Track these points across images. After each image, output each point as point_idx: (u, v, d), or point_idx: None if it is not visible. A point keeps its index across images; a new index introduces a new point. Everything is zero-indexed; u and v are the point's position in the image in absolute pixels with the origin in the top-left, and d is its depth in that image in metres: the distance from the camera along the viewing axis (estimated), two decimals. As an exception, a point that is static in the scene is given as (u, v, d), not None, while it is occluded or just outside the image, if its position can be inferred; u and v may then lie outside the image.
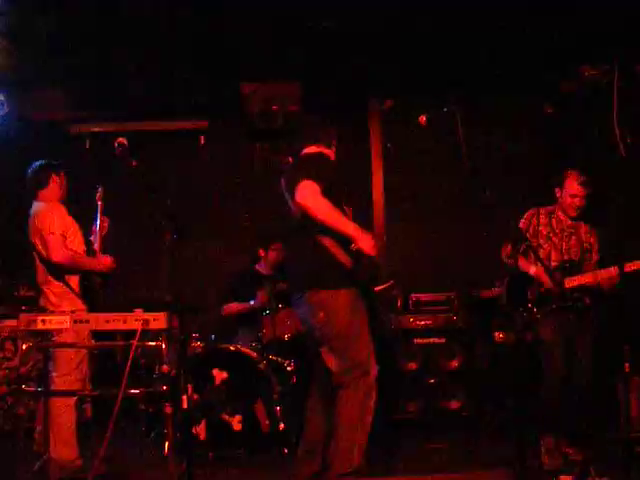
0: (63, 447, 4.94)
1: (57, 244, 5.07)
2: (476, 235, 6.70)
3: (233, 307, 6.81)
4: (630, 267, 5.15)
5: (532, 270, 5.38)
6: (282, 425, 5.69)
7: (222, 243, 7.86)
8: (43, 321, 4.09)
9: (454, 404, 6.69)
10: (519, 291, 5.43)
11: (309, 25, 5.99)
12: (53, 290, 5.18)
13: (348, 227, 4.26)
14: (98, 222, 5.53)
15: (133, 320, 4.05)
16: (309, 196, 4.20)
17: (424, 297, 7.11)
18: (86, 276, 5.28)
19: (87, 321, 4.11)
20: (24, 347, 4.94)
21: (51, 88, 7.20)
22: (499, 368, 6.59)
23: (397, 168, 7.77)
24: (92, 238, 5.56)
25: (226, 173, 8.13)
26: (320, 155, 4.54)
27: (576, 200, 5.47)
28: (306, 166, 4.45)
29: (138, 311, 4.08)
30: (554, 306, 5.29)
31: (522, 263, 5.43)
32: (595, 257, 5.56)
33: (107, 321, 4.09)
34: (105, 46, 6.28)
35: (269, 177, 7.83)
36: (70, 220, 5.29)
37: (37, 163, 5.42)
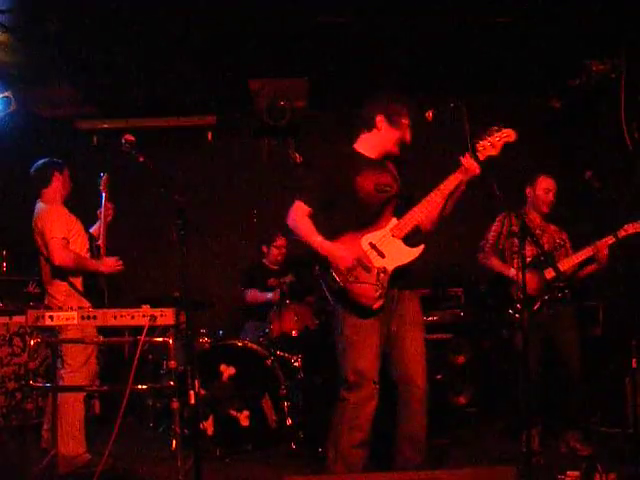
0: (71, 442, 4.97)
1: (58, 248, 5.10)
2: (482, 230, 6.66)
3: (256, 295, 6.83)
4: (606, 241, 5.35)
5: (510, 273, 5.40)
6: (289, 420, 5.71)
7: (230, 239, 7.88)
8: (51, 317, 4.11)
9: (461, 400, 6.69)
10: (501, 291, 5.49)
11: (317, 21, 5.98)
12: (58, 289, 5.21)
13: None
14: (102, 210, 5.56)
15: (140, 316, 4.07)
16: None
17: (430, 292, 7.11)
18: (91, 276, 5.31)
19: (95, 317, 4.13)
20: (32, 343, 4.95)
21: (59, 85, 7.21)
22: (506, 363, 6.58)
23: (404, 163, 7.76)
24: (95, 228, 5.58)
25: (234, 169, 8.14)
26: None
27: (550, 195, 5.59)
28: None
29: (145, 307, 4.09)
30: (536, 306, 5.35)
31: (496, 264, 5.58)
32: (569, 253, 5.63)
33: (115, 317, 4.11)
34: (113, 43, 6.29)
35: (276, 172, 7.86)
36: (73, 220, 5.32)
37: (40, 161, 5.44)
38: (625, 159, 6.23)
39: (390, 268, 4.18)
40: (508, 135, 4.27)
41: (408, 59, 6.75)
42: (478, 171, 4.22)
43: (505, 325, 5.50)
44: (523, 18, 5.94)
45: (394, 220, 4.27)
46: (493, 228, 5.72)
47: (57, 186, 5.39)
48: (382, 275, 4.16)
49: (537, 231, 5.53)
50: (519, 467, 3.77)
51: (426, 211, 4.26)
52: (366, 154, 4.42)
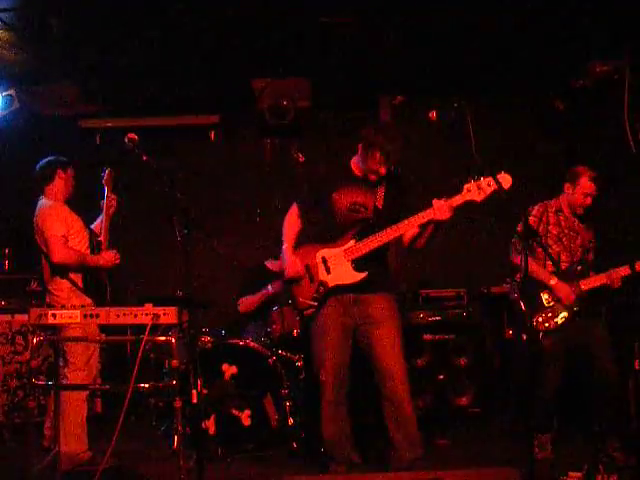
0: (73, 441, 4.98)
1: (58, 245, 5.13)
2: (486, 231, 6.68)
3: (250, 300, 6.77)
4: (621, 272, 5.18)
5: (552, 282, 5.23)
6: (291, 420, 5.71)
7: (232, 238, 7.86)
8: (54, 315, 4.10)
9: (463, 400, 6.68)
10: (533, 296, 5.29)
11: (320, 21, 5.98)
12: (59, 287, 5.23)
13: None
14: (105, 201, 5.55)
15: (143, 315, 4.05)
16: None
17: (434, 293, 7.10)
18: (92, 272, 5.32)
19: (97, 315, 4.11)
20: (34, 341, 4.96)
21: (62, 83, 7.21)
22: (509, 365, 6.58)
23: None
24: (97, 224, 5.58)
25: (236, 168, 8.14)
26: None
27: (588, 199, 5.36)
28: None
29: (148, 306, 4.08)
30: (568, 315, 5.22)
31: (536, 269, 5.26)
32: (591, 256, 5.47)
33: (117, 315, 4.10)
34: (116, 41, 6.29)
35: (279, 172, 7.86)
36: (73, 218, 5.33)
37: (45, 159, 5.47)
38: (628, 161, 6.22)
39: (330, 284, 4.60)
40: (503, 181, 4.20)
41: (411, 59, 6.74)
42: (447, 217, 4.32)
43: (528, 332, 5.28)
44: (526, 18, 5.94)
45: (352, 242, 4.56)
46: (531, 222, 5.38)
47: (59, 184, 5.41)
48: (321, 288, 4.61)
49: (572, 232, 5.40)
50: (522, 468, 3.78)
51: (383, 241, 4.48)
52: (355, 171, 4.69)
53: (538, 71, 6.94)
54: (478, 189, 4.25)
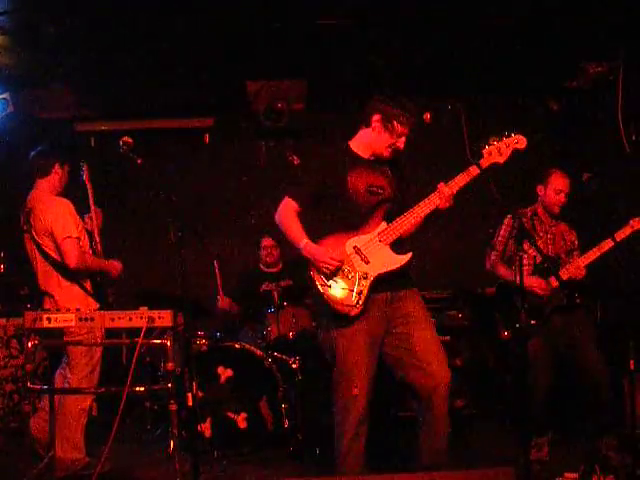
0: (71, 448, 4.90)
1: (74, 249, 4.89)
2: (480, 232, 6.66)
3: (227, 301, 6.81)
4: (620, 235, 5.18)
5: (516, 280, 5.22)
6: (287, 423, 5.71)
7: (227, 241, 7.87)
8: (49, 319, 4.08)
9: (458, 402, 6.67)
10: (508, 300, 5.28)
11: (315, 23, 5.98)
12: (67, 292, 5.01)
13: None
14: (92, 217, 5.37)
15: (138, 318, 4.02)
16: None
17: (428, 295, 7.09)
18: (96, 275, 5.17)
19: (92, 319, 4.09)
20: (29, 345, 4.91)
21: (56, 86, 7.21)
22: (504, 366, 6.58)
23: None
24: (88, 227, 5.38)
25: (231, 171, 8.14)
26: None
27: (561, 196, 5.36)
28: None
29: (143, 309, 4.07)
30: (548, 311, 5.19)
31: (503, 272, 5.36)
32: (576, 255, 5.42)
33: (112, 319, 4.07)
34: (111, 45, 6.28)
35: (274, 174, 7.86)
36: (79, 218, 5.11)
37: (44, 147, 5.26)
38: (623, 161, 6.24)
39: (372, 275, 4.05)
40: (519, 141, 4.18)
41: (406, 61, 6.75)
42: (449, 204, 4.11)
43: (516, 333, 5.20)
44: (521, 20, 5.95)
45: (383, 224, 4.13)
46: (501, 233, 5.47)
47: (54, 178, 5.17)
48: (363, 281, 4.04)
49: (548, 235, 5.42)
50: (517, 469, 3.77)
51: (414, 221, 4.12)
52: (359, 152, 4.27)
53: (532, 72, 6.95)
54: (498, 151, 4.15)
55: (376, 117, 4.20)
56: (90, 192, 5.47)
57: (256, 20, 5.93)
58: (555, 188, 5.37)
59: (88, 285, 5.09)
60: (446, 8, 5.78)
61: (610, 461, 5.01)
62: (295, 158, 7.66)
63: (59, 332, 4.54)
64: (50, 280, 5.04)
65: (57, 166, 5.18)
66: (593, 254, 5.22)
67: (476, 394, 6.70)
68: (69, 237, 4.90)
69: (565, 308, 5.24)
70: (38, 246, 5.03)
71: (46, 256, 5.02)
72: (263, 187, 7.90)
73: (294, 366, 5.92)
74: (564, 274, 5.17)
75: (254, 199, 7.94)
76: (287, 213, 4.25)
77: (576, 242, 5.50)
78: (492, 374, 6.82)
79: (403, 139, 4.18)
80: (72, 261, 4.88)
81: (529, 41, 6.33)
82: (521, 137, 4.18)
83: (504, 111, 7.64)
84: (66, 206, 5.03)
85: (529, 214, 5.46)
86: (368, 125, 4.24)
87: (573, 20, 5.91)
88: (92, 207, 5.40)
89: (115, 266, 5.26)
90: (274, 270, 7.06)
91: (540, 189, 5.47)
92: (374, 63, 6.49)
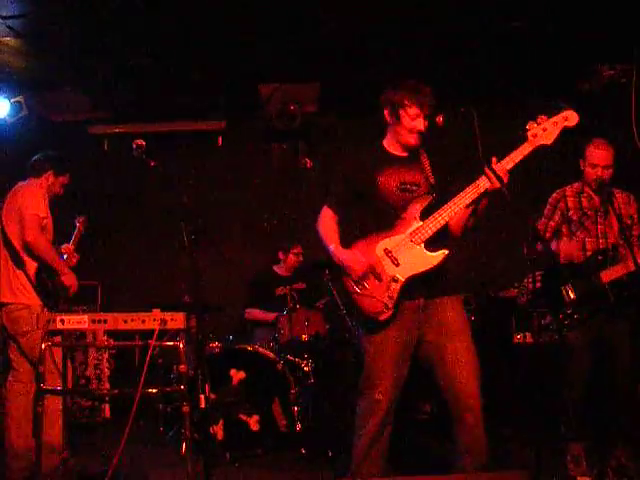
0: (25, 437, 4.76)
1: (37, 225, 4.85)
2: (493, 235, 6.66)
3: (256, 314, 6.85)
4: None
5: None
6: (299, 425, 5.71)
7: (240, 243, 7.88)
8: (62, 321, 4.08)
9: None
10: (553, 290, 4.90)
11: (327, 26, 5.99)
12: (15, 278, 4.92)
13: None
14: (69, 251, 5.38)
15: (151, 320, 4.03)
16: None
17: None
18: (49, 273, 4.99)
19: (105, 321, 4.10)
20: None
21: (70, 90, 7.24)
22: (517, 369, 6.55)
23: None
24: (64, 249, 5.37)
25: (244, 173, 8.15)
26: None
27: (597, 171, 4.85)
28: None
29: (156, 311, 4.08)
30: (592, 307, 4.78)
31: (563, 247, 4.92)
32: (637, 232, 4.95)
33: (125, 321, 4.08)
34: (124, 48, 6.31)
35: (287, 178, 7.87)
36: (49, 212, 5.05)
37: (48, 152, 5.25)
38: (636, 164, 6.20)
39: (403, 277, 3.87)
40: (569, 118, 3.74)
41: (418, 63, 6.74)
42: (498, 185, 3.75)
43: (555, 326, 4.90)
44: (534, 22, 5.94)
45: (415, 224, 3.91)
46: (545, 212, 5.03)
47: (44, 183, 5.15)
48: (393, 285, 3.86)
49: (598, 213, 4.89)
50: (529, 472, 3.75)
51: (449, 215, 3.87)
52: (391, 150, 4.13)
53: (544, 75, 6.93)
54: (545, 131, 3.77)
55: (386, 111, 4.10)
56: (76, 237, 5.48)
57: (269, 23, 5.94)
58: (590, 162, 4.89)
59: (32, 276, 4.92)
60: (459, 10, 5.78)
61: (624, 466, 4.91)
62: (308, 161, 7.66)
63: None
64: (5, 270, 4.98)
65: (51, 173, 5.19)
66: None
67: (486, 397, 6.67)
68: (36, 214, 4.88)
69: (610, 315, 4.85)
70: (1, 228, 5.01)
71: (3, 237, 4.99)
72: (275, 189, 7.92)
73: (306, 369, 5.93)
74: (613, 273, 4.77)
75: (266, 201, 7.94)
76: (323, 221, 4.19)
77: (635, 214, 4.97)
78: (504, 378, 6.77)
79: (420, 120, 3.98)
80: (30, 234, 4.83)
81: (542, 44, 6.32)
82: (571, 113, 3.74)
83: (516, 113, 7.61)
84: (41, 194, 5.02)
85: (574, 191, 5.04)
86: (386, 122, 4.14)
87: (586, 23, 5.89)
88: (70, 247, 5.42)
89: (70, 277, 5.06)
90: (289, 274, 7.07)
91: (582, 164, 4.98)
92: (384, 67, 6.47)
